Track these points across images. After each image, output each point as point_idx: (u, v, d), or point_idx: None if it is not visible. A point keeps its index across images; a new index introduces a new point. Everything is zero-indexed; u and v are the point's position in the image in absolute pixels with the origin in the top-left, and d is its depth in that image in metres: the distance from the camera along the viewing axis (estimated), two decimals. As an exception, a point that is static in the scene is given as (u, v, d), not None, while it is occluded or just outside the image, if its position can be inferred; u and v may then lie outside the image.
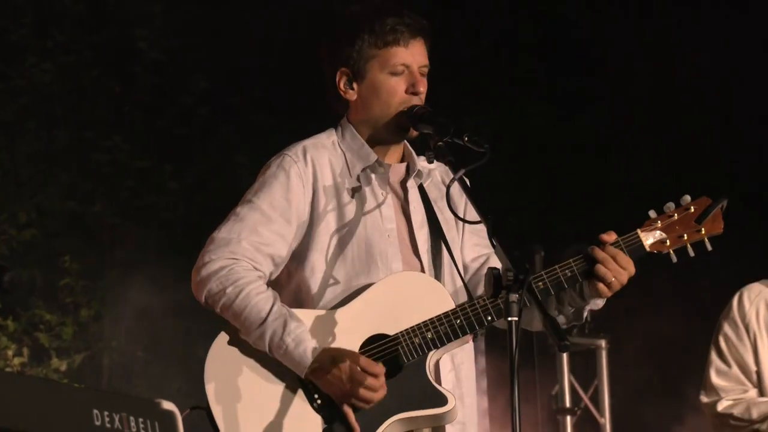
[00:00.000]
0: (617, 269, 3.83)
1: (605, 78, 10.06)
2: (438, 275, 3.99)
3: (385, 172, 3.99)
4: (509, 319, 3.33)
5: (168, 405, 3.22)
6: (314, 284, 3.88)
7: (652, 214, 3.95)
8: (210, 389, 3.78)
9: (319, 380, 3.73)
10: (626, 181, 10.07)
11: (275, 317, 3.75)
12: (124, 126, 9.64)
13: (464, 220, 3.89)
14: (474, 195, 3.71)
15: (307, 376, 3.73)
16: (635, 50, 10.08)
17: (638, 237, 3.91)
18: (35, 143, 9.54)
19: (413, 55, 3.99)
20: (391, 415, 3.77)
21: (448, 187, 3.72)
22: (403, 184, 4.05)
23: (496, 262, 3.99)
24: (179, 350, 8.79)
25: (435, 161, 3.85)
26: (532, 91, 10.12)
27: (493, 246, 3.50)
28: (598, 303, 3.96)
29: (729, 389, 5.00)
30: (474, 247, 4.10)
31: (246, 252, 3.83)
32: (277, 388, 3.78)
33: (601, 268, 3.82)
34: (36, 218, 9.36)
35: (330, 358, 3.73)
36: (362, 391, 3.70)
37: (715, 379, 5.03)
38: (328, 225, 3.91)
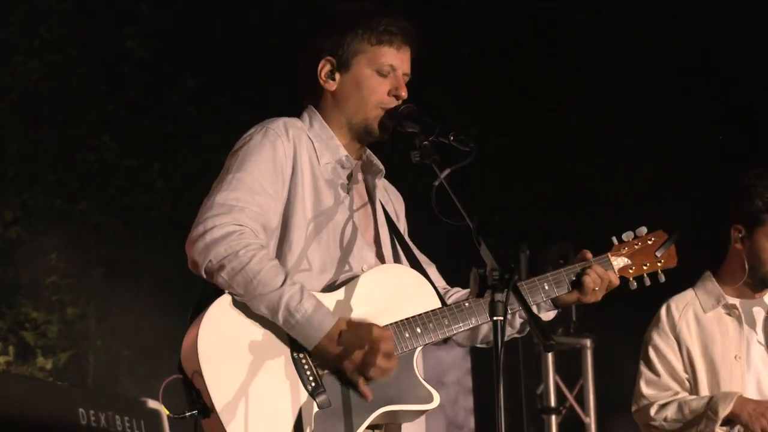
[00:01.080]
0: (602, 287, 4.03)
1: (592, 78, 10.07)
2: None
3: (351, 168, 4.01)
4: (494, 318, 3.34)
5: (154, 404, 3.22)
6: (291, 261, 3.87)
7: (615, 240, 4.15)
8: (205, 368, 3.70)
9: (334, 348, 3.69)
10: (611, 181, 10.09)
11: (292, 283, 3.72)
12: (112, 125, 9.62)
13: (450, 221, 3.90)
14: (459, 194, 3.72)
15: (321, 343, 3.69)
16: (623, 50, 10.10)
17: (609, 260, 4.11)
18: (22, 141, 9.52)
19: (401, 60, 4.02)
20: (381, 406, 3.77)
21: (434, 186, 3.74)
22: (366, 181, 4.08)
23: (432, 275, 4.11)
24: (165, 349, 8.76)
25: (417, 161, 3.87)
26: (517, 91, 10.14)
27: (479, 245, 3.51)
28: (550, 315, 4.08)
29: (659, 396, 5.05)
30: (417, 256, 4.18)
31: (248, 221, 3.78)
32: (271, 368, 3.75)
33: (589, 283, 3.93)
34: (22, 216, 9.35)
35: (348, 326, 3.73)
36: (380, 361, 3.70)
37: (645, 389, 5.08)
38: (304, 205, 3.91)
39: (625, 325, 9.24)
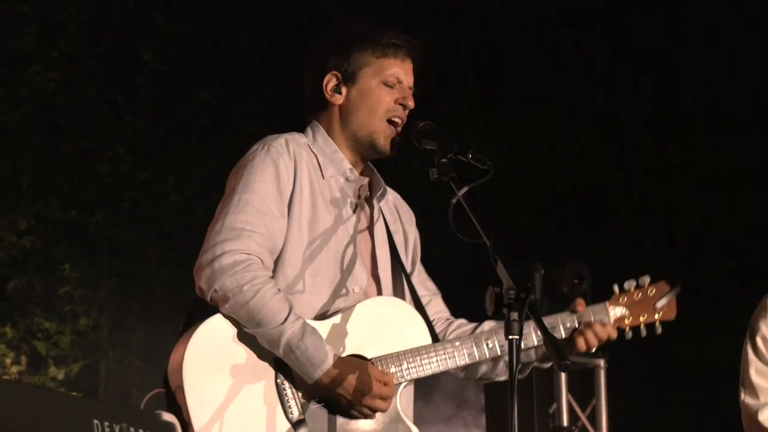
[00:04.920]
0: (593, 342, 4.03)
1: (604, 96, 10.09)
2: (396, 294, 4.01)
3: (355, 181, 4.00)
4: (510, 337, 3.33)
5: (168, 417, 3.22)
6: (283, 279, 3.85)
7: (616, 289, 4.10)
8: (188, 385, 3.72)
9: (334, 384, 3.71)
10: (624, 200, 10.09)
11: (294, 319, 3.71)
12: (127, 136, 9.65)
13: (466, 239, 3.89)
14: (476, 212, 3.71)
15: (320, 379, 3.70)
16: (634, 69, 10.11)
17: (606, 309, 4.09)
18: (37, 151, 9.55)
19: (406, 72, 4.01)
20: None
21: (451, 204, 3.72)
22: (368, 199, 4.07)
23: (437, 305, 4.10)
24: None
25: (435, 179, 3.83)
26: (530, 109, 10.15)
27: (495, 263, 3.50)
28: (545, 365, 4.07)
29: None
30: (419, 286, 4.13)
31: (257, 248, 3.78)
32: (253, 393, 3.75)
33: (582, 345, 3.99)
34: (36, 226, 9.36)
35: (349, 365, 3.73)
36: (377, 402, 3.72)
37: (755, 378, 4.93)
38: (300, 223, 3.89)
39: (638, 345, 9.22)
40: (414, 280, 4.09)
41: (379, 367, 3.79)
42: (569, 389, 8.62)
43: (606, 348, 8.57)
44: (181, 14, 9.80)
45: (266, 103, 9.75)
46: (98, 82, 9.64)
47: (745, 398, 4.90)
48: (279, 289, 3.79)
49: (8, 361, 8.90)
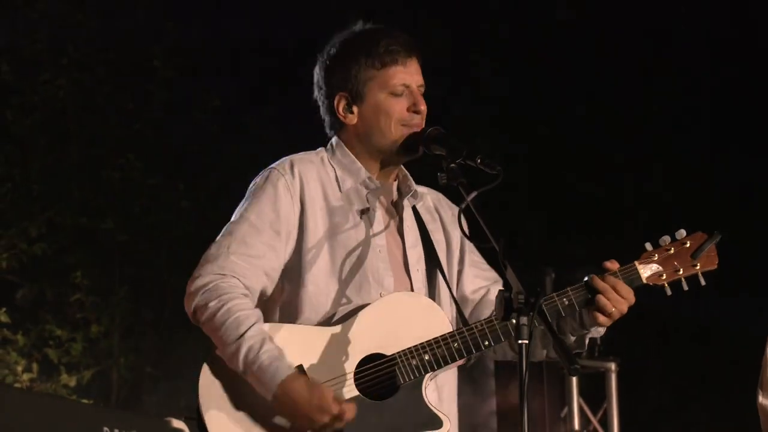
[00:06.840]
0: (617, 299, 3.84)
1: (617, 101, 10.08)
2: (432, 295, 3.99)
3: (376, 189, 4.00)
4: (519, 341, 3.32)
5: (178, 423, 3.23)
6: (306, 298, 3.85)
7: (648, 246, 3.95)
8: (205, 410, 3.73)
9: (286, 400, 3.67)
10: (636, 203, 10.08)
11: (254, 333, 3.70)
12: (137, 143, 9.66)
13: (473, 241, 3.88)
14: (485, 217, 3.70)
15: (275, 395, 3.66)
16: (646, 73, 10.11)
17: (636, 269, 3.91)
18: (47, 159, 9.56)
19: (411, 74, 3.99)
20: None
21: (460, 209, 3.70)
22: (397, 202, 4.06)
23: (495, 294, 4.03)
24: (188, 367, 8.77)
25: (444, 184, 3.82)
26: (541, 113, 10.15)
27: (504, 268, 3.48)
28: (600, 330, 3.95)
29: None
30: (474, 279, 4.11)
31: (235, 267, 3.80)
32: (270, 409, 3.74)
33: (601, 299, 3.83)
34: (47, 233, 9.38)
35: (302, 381, 3.68)
36: (327, 419, 3.65)
37: None
38: (318, 239, 3.89)
39: (650, 348, 9.23)
40: (464, 275, 4.07)
41: (401, 363, 3.77)
42: (581, 393, 8.62)
43: (617, 352, 8.61)
44: (190, 20, 9.81)
45: (277, 110, 9.76)
46: (108, 89, 9.66)
47: (763, 400, 4.87)
48: (249, 303, 3.77)
49: (20, 368, 8.91)
